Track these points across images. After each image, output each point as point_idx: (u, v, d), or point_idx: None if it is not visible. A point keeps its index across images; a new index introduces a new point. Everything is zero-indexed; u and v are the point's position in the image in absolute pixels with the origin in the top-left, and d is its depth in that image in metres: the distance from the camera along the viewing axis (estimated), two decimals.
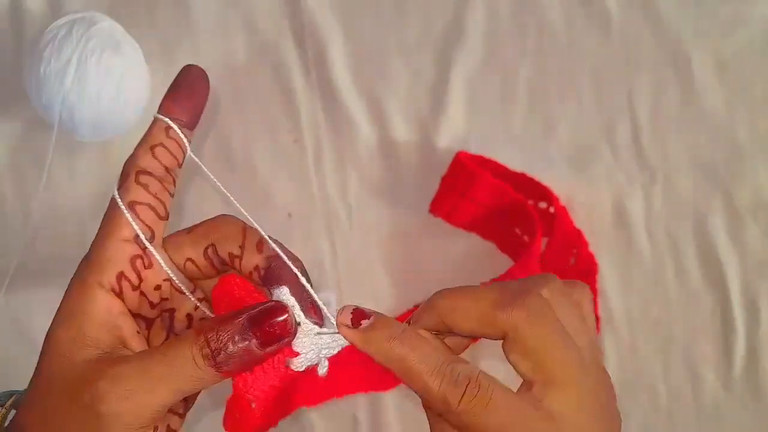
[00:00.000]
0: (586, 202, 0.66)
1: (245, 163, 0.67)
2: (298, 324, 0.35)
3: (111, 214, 0.36)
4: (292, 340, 0.34)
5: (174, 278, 0.37)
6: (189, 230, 0.38)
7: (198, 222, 0.38)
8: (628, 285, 0.66)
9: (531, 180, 0.64)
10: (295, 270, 0.36)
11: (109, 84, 0.60)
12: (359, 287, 0.65)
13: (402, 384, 0.40)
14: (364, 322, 0.34)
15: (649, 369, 0.65)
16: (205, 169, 0.38)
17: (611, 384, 0.36)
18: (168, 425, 0.36)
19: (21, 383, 0.41)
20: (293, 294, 0.35)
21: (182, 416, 0.37)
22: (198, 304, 0.38)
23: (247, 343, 0.33)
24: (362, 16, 0.68)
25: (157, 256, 0.36)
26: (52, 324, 0.36)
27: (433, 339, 0.35)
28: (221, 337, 0.33)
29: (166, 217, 0.37)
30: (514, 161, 0.65)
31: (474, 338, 0.36)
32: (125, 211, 0.35)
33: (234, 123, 0.68)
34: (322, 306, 0.36)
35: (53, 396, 0.35)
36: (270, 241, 0.36)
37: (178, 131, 0.37)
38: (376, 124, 0.67)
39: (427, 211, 0.65)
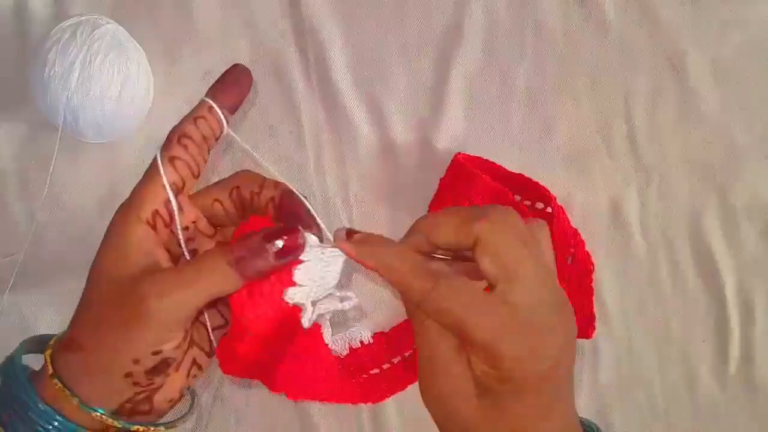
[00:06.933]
0: (583, 202, 0.66)
1: (246, 163, 0.67)
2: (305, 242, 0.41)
3: (153, 165, 0.42)
4: (300, 254, 0.41)
5: (177, 216, 0.42)
6: (219, 180, 0.45)
7: None
8: (624, 284, 0.66)
9: (528, 180, 0.64)
10: (304, 200, 0.43)
11: (113, 86, 0.61)
12: (359, 287, 0.65)
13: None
14: (357, 236, 0.42)
15: (645, 367, 0.66)
16: (241, 142, 0.45)
17: (566, 298, 0.41)
18: (194, 359, 0.43)
19: None
20: (302, 224, 0.42)
21: (209, 355, 0.44)
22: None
23: (265, 253, 0.39)
24: (362, 16, 0.68)
25: (173, 202, 0.42)
26: (96, 255, 0.41)
27: (413, 250, 0.42)
28: (243, 248, 0.39)
29: (198, 176, 0.43)
30: (512, 162, 0.65)
31: (453, 254, 0.43)
32: (160, 163, 0.41)
33: (234, 123, 0.68)
34: (325, 230, 0.43)
35: (102, 307, 0.40)
36: (286, 183, 0.43)
37: (218, 111, 0.43)
38: (376, 124, 0.67)
39: (426, 212, 0.65)
